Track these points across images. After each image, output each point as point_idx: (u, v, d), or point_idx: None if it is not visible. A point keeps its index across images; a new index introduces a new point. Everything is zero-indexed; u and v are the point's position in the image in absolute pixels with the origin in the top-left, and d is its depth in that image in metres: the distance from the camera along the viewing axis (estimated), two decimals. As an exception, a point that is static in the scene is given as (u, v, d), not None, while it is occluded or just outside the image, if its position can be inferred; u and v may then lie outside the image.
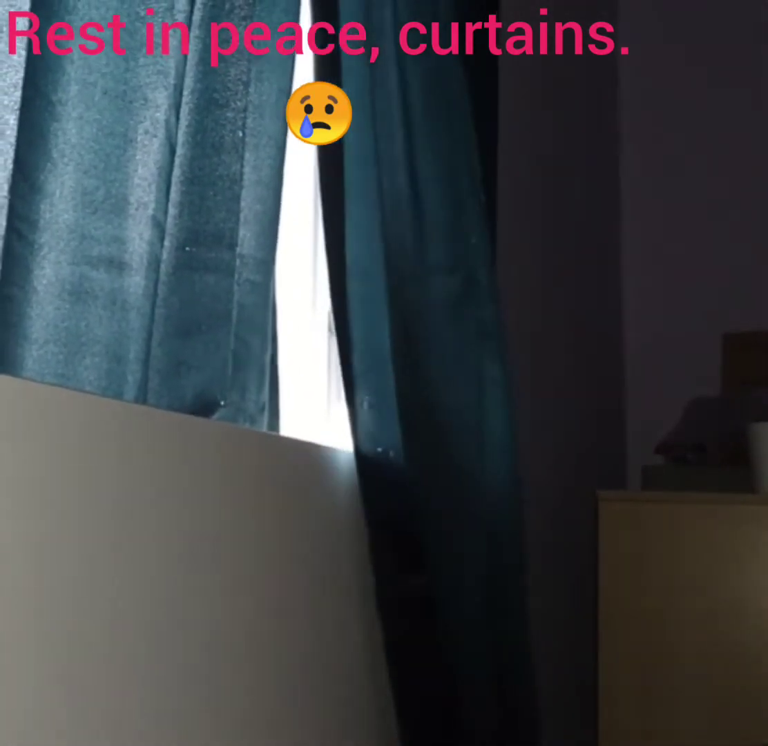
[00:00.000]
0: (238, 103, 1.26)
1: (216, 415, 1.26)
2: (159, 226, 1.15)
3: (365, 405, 1.53)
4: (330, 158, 1.52)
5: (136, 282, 1.13)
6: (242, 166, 1.28)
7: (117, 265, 1.11)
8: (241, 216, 1.28)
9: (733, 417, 2.29)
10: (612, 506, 2.10)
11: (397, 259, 1.56)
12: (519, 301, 2.21)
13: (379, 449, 1.53)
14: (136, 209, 1.13)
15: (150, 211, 1.14)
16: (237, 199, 1.27)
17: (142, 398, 1.13)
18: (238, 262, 1.28)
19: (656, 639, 2.03)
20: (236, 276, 1.28)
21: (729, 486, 2.12)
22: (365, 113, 1.52)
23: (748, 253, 2.87)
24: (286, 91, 1.36)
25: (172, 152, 1.15)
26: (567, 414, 2.60)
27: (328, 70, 1.51)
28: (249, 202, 1.30)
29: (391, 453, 1.53)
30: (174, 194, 1.19)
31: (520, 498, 1.69)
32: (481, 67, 1.84)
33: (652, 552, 2.05)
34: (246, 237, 1.30)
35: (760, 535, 1.99)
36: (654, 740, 2.02)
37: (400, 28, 1.57)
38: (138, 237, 1.13)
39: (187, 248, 1.21)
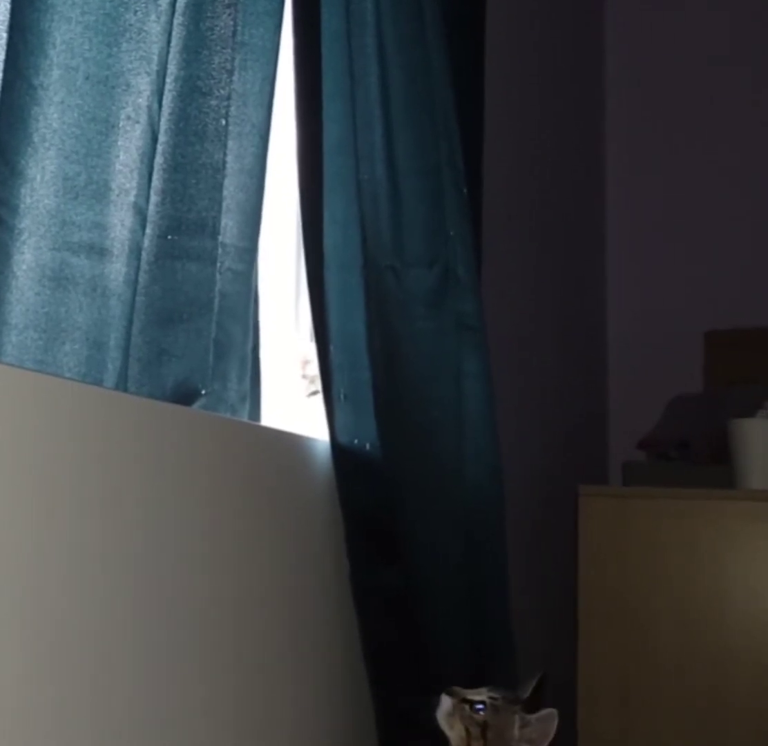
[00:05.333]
0: (222, 91, 1.25)
1: (197, 404, 1.26)
2: (140, 213, 1.15)
3: (342, 396, 1.53)
4: (309, 148, 1.52)
5: (116, 269, 1.12)
6: (225, 154, 1.27)
7: (98, 252, 1.11)
8: (224, 204, 1.28)
9: (715, 414, 2.29)
10: (593, 501, 2.09)
11: (374, 251, 1.56)
12: (503, 296, 2.21)
13: (356, 441, 1.53)
14: (118, 195, 1.13)
15: (132, 198, 1.14)
16: (220, 187, 1.27)
17: (122, 385, 1.13)
18: (220, 250, 1.28)
19: (636, 635, 2.03)
20: (218, 264, 1.28)
21: (711, 483, 2.13)
22: (345, 104, 1.52)
23: (730, 252, 2.88)
24: (270, 80, 1.35)
25: (154, 139, 1.15)
26: (550, 410, 2.61)
27: (309, 60, 1.51)
28: (232, 191, 1.30)
29: (368, 446, 1.53)
30: (156, 182, 1.18)
31: (501, 491, 1.68)
32: (467, 60, 1.84)
33: (632, 548, 2.05)
34: (228, 225, 1.29)
35: (741, 531, 1.99)
36: (633, 737, 2.02)
37: (382, 19, 1.56)
38: (119, 223, 1.13)
39: (170, 236, 1.21)
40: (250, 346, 1.36)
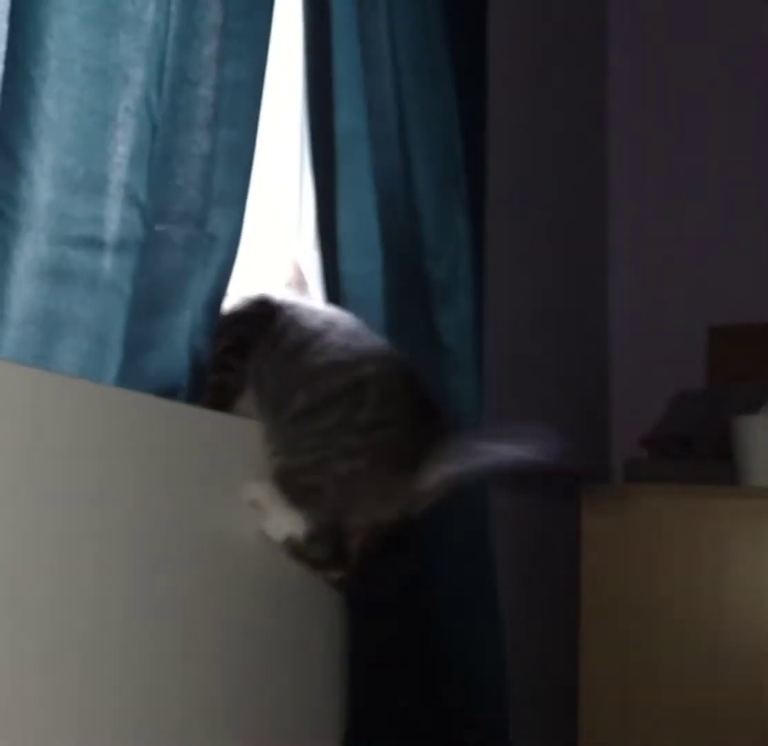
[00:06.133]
0: (212, 81, 1.24)
1: (185, 395, 1.25)
2: (139, 206, 1.14)
3: None
4: (321, 135, 1.51)
5: (116, 262, 1.12)
6: (215, 144, 1.26)
7: (97, 245, 1.10)
8: (213, 195, 1.27)
9: (717, 410, 2.28)
10: (595, 499, 2.09)
11: (389, 240, 1.55)
12: (506, 292, 2.20)
13: None
14: (116, 189, 1.12)
15: (130, 191, 1.13)
16: (209, 177, 1.25)
17: (121, 380, 1.12)
18: (207, 241, 1.27)
19: (638, 632, 2.02)
20: (205, 255, 1.27)
21: (713, 480, 2.12)
22: (359, 91, 1.51)
23: (733, 247, 2.87)
24: (262, 70, 1.34)
25: (153, 131, 1.14)
26: (552, 407, 2.60)
27: (319, 48, 1.50)
28: (220, 181, 1.28)
29: None
30: (150, 173, 1.17)
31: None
32: (470, 52, 1.83)
33: (634, 545, 2.04)
34: (216, 216, 1.28)
35: (744, 529, 1.98)
36: (634, 736, 2.02)
37: (394, 9, 1.56)
38: (118, 217, 1.12)
39: (157, 227, 1.19)
40: None
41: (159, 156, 1.17)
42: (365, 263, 1.52)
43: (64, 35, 1.05)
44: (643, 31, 3.10)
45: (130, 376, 1.16)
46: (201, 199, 1.24)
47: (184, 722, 1.20)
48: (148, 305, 1.18)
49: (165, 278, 1.20)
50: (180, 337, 1.23)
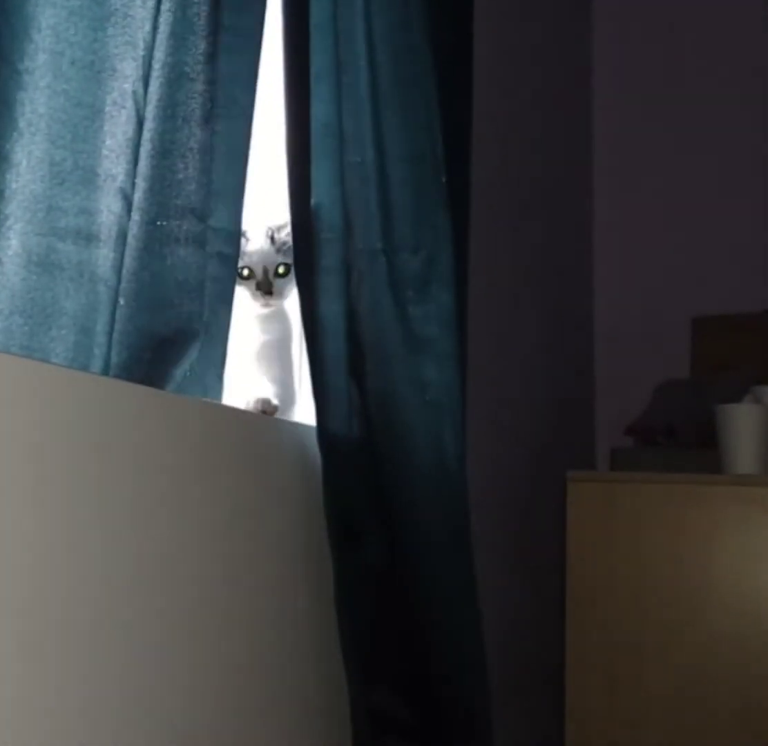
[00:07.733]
0: (208, 76, 1.25)
1: (182, 386, 1.26)
2: (126, 199, 1.15)
3: (328, 380, 1.53)
4: (296, 129, 1.52)
5: (103, 254, 1.13)
6: (213, 137, 1.27)
7: (85, 237, 1.11)
8: (212, 188, 1.28)
9: (702, 399, 2.30)
10: (581, 487, 2.10)
11: (363, 233, 1.56)
12: (489, 284, 2.21)
13: (341, 426, 1.53)
14: (105, 181, 1.13)
15: (118, 183, 1.14)
16: (208, 171, 1.27)
17: (108, 371, 1.13)
18: (208, 234, 1.28)
19: (623, 618, 2.03)
20: (207, 249, 1.28)
21: (697, 468, 2.13)
22: (332, 87, 1.52)
23: (717, 238, 2.88)
24: (256, 63, 1.35)
25: (140, 124, 1.15)
26: (538, 397, 2.61)
27: (297, 41, 1.50)
28: (220, 174, 1.30)
29: (353, 431, 1.54)
30: (145, 168, 1.18)
31: (463, 467, 1.68)
32: (454, 48, 1.83)
33: (620, 533, 2.05)
34: (216, 209, 1.29)
35: (728, 516, 1.99)
36: (620, 719, 2.03)
37: (370, 6, 1.56)
38: (106, 209, 1.13)
39: (159, 222, 1.21)
40: (229, 328, 1.37)
41: (158, 151, 1.18)
42: (335, 255, 1.52)
43: (53, 29, 1.06)
44: (627, 18, 3.11)
45: (130, 367, 1.17)
46: (202, 193, 1.26)
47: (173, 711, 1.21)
48: (151, 299, 1.19)
49: (168, 272, 1.21)
50: (186, 329, 1.25)
